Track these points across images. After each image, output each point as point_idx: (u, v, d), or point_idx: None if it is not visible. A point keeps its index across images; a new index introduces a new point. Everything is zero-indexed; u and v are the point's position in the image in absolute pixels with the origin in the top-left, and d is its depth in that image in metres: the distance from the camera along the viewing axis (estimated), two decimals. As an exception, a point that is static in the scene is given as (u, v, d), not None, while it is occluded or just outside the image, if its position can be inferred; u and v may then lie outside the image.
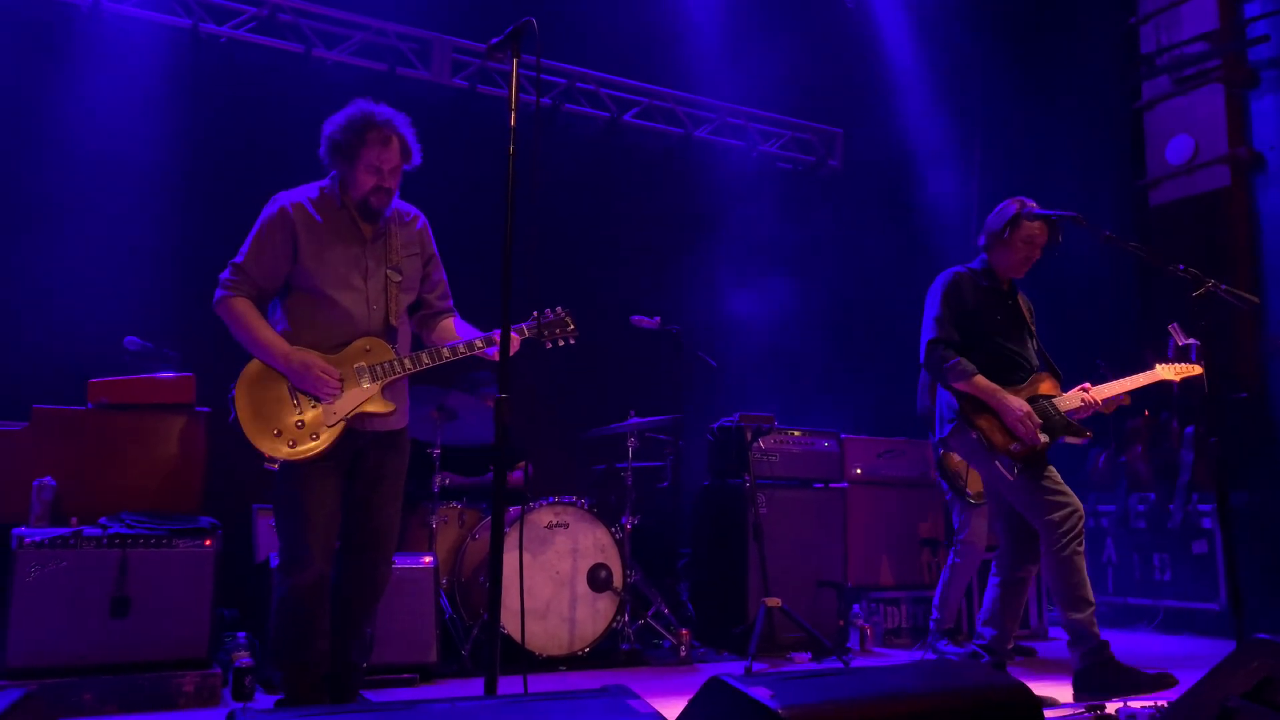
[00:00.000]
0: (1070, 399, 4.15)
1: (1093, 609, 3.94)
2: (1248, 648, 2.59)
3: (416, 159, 3.38)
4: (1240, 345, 7.02)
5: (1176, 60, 7.65)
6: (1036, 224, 4.18)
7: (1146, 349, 7.13)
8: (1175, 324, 6.32)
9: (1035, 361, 4.25)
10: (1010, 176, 7.97)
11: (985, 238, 4.30)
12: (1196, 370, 4.47)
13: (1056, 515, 3.93)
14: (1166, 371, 4.40)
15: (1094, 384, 4.31)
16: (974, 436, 4.04)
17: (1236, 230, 7.26)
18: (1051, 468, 4.04)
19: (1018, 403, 3.98)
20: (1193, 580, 6.16)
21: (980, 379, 4.03)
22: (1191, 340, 6.16)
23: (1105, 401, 4.23)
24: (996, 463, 4.01)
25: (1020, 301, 4.36)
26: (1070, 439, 4.13)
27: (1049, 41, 8.36)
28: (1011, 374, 4.14)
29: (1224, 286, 3.92)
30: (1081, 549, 3.94)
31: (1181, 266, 3.98)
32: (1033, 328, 4.36)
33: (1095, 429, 5.20)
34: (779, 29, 7.69)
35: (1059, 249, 4.32)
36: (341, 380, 3.22)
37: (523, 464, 5.62)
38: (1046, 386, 4.18)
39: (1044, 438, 3.99)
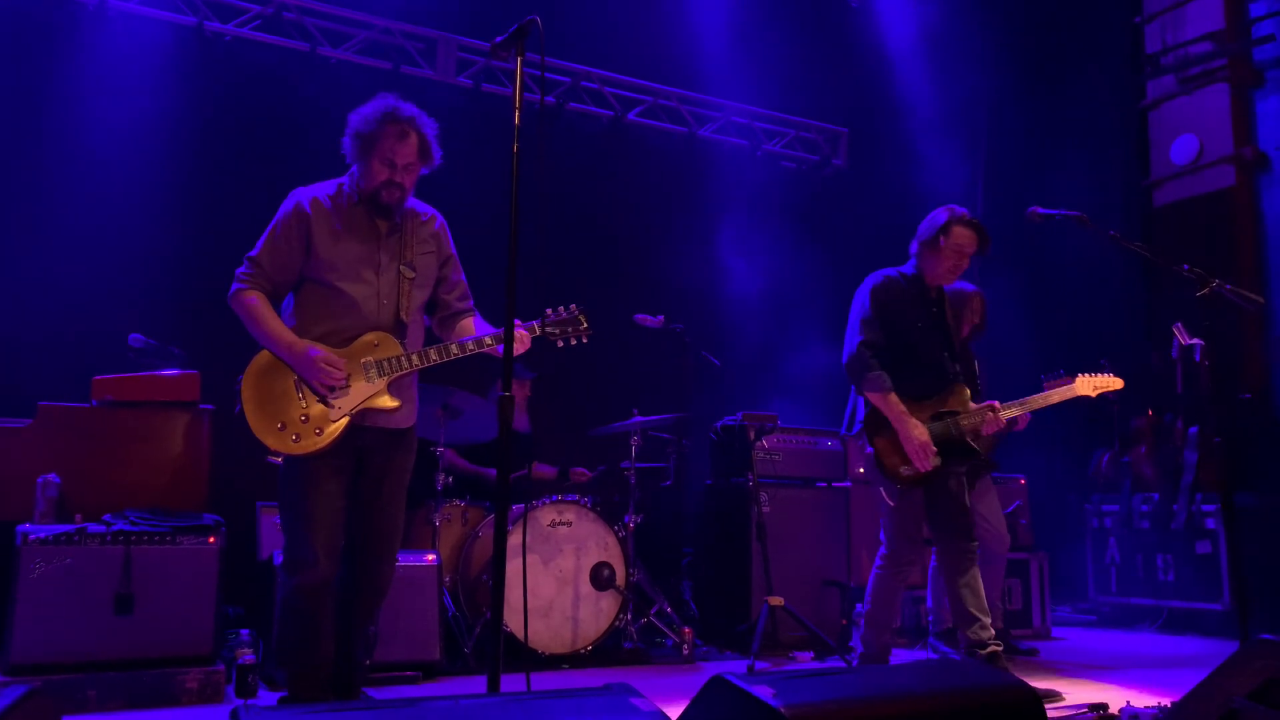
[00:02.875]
0: (976, 415, 4.14)
1: (890, 630, 4.23)
2: (1252, 648, 2.59)
3: (436, 161, 3.37)
4: (1245, 345, 7.01)
5: (1182, 60, 7.64)
6: (967, 231, 4.15)
7: (1151, 349, 7.13)
8: (1179, 324, 6.32)
9: (953, 371, 4.20)
10: (1014, 176, 7.97)
11: (917, 244, 4.26)
12: (1117, 384, 4.48)
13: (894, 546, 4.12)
14: (1084, 386, 4.41)
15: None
16: (870, 453, 4.10)
17: (1241, 230, 7.25)
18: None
19: (920, 433, 3.98)
20: (1196, 581, 6.15)
21: (893, 398, 4.02)
22: (1195, 340, 6.16)
23: (1010, 420, 4.30)
24: (880, 488, 4.13)
25: (947, 309, 4.31)
26: (967, 458, 4.14)
27: (1054, 41, 8.35)
28: (928, 382, 4.13)
29: (1229, 286, 3.92)
30: (906, 581, 4.17)
31: (1186, 266, 3.97)
32: (958, 335, 4.38)
33: (1100, 428, 5.23)
34: (784, 28, 7.69)
35: (1064, 246, 4.34)
36: (348, 375, 3.22)
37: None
38: (957, 399, 4.16)
39: (934, 463, 3.99)
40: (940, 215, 4.19)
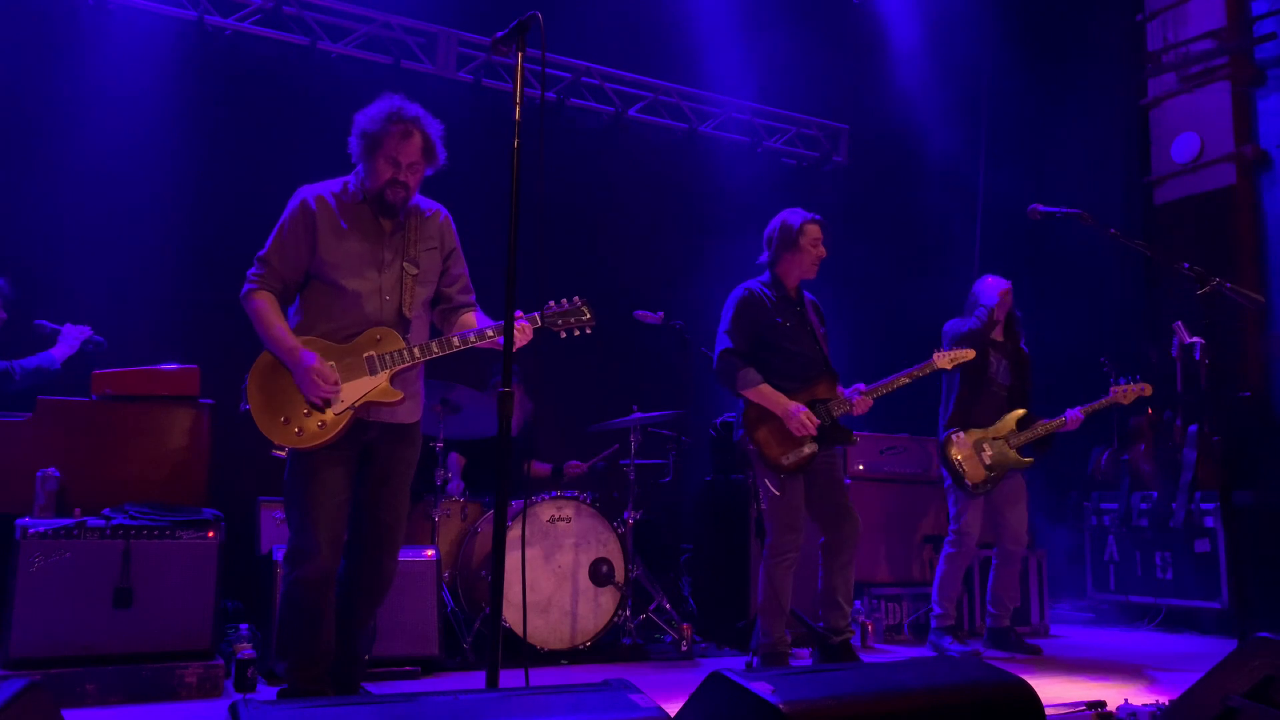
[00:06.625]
0: (844, 401, 4.39)
1: (785, 618, 4.36)
2: (1249, 646, 2.59)
3: (441, 161, 3.38)
4: (1244, 343, 7.01)
5: (1183, 58, 7.63)
6: (816, 228, 4.47)
7: (1151, 347, 7.13)
8: (1179, 322, 6.32)
9: (820, 364, 4.45)
10: (1016, 173, 7.96)
11: (770, 252, 4.52)
12: (969, 355, 4.68)
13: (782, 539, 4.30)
14: (943, 360, 4.62)
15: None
16: (752, 449, 4.33)
17: (1242, 228, 7.25)
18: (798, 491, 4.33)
19: (796, 405, 4.26)
20: (1195, 579, 6.15)
21: (765, 387, 4.30)
22: (1195, 338, 6.16)
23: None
24: (765, 480, 4.33)
25: (809, 306, 4.56)
26: (840, 444, 4.44)
27: (1056, 38, 8.34)
28: (797, 377, 4.38)
29: (1229, 285, 3.92)
30: (793, 568, 4.34)
31: (1186, 264, 3.97)
32: (821, 330, 4.57)
33: (1098, 427, 5.25)
34: (785, 24, 7.68)
35: (1064, 244, 4.40)
36: (339, 384, 3.22)
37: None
38: (823, 389, 4.41)
39: (811, 448, 4.27)
40: (791, 218, 4.50)
